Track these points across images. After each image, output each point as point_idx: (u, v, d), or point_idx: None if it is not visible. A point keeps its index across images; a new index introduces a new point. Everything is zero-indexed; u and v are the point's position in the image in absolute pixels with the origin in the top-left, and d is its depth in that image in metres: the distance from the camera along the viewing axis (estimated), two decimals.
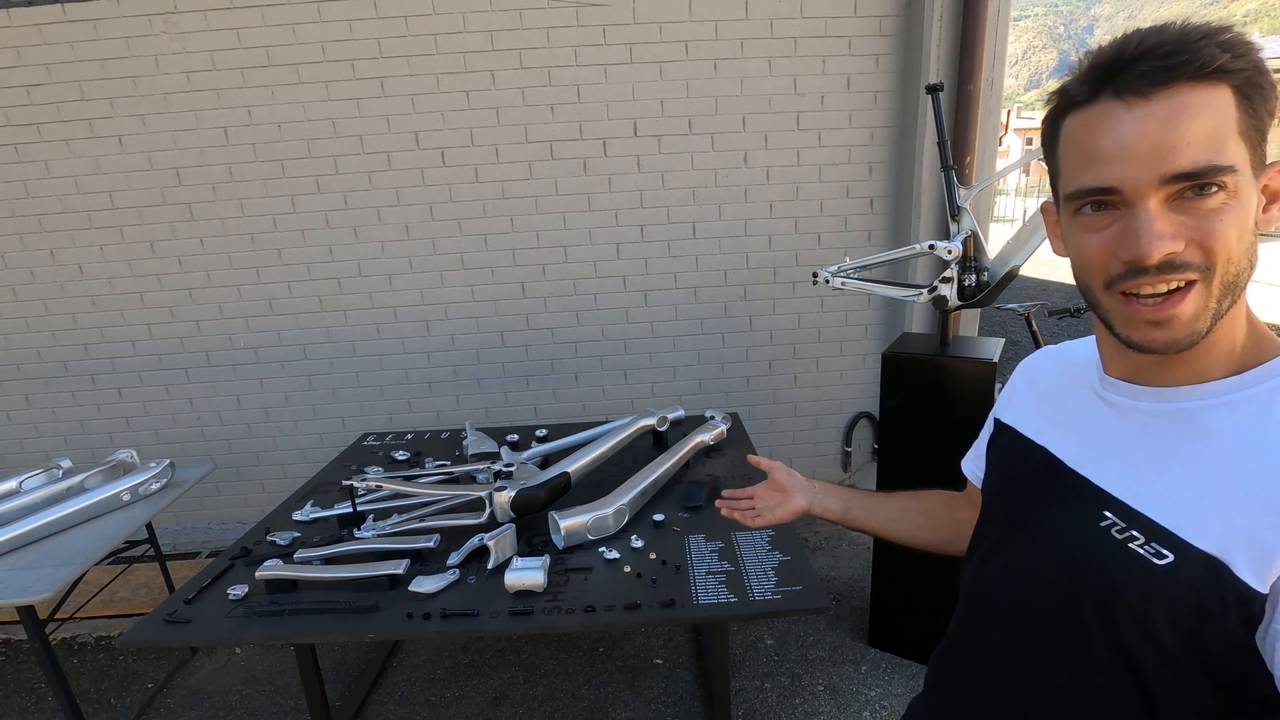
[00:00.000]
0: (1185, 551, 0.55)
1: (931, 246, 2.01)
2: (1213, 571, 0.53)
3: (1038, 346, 3.39)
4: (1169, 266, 0.53)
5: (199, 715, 2.21)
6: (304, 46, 2.72)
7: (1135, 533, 0.58)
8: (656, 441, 2.44)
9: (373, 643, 2.46)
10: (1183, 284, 0.54)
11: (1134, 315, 0.56)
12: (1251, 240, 0.54)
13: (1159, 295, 0.54)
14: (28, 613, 1.82)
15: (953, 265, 1.99)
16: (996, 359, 1.93)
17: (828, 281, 2.27)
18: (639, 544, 1.77)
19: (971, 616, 0.77)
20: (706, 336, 3.19)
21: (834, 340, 3.22)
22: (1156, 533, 0.57)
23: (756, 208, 3.03)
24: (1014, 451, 0.74)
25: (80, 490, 2.13)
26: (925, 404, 2.04)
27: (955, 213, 2.00)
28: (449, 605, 1.56)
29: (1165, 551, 0.56)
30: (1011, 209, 17.52)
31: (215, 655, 2.48)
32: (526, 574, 1.58)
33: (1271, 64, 0.53)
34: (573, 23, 2.74)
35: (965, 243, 1.97)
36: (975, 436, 1.96)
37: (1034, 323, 3.30)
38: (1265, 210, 0.55)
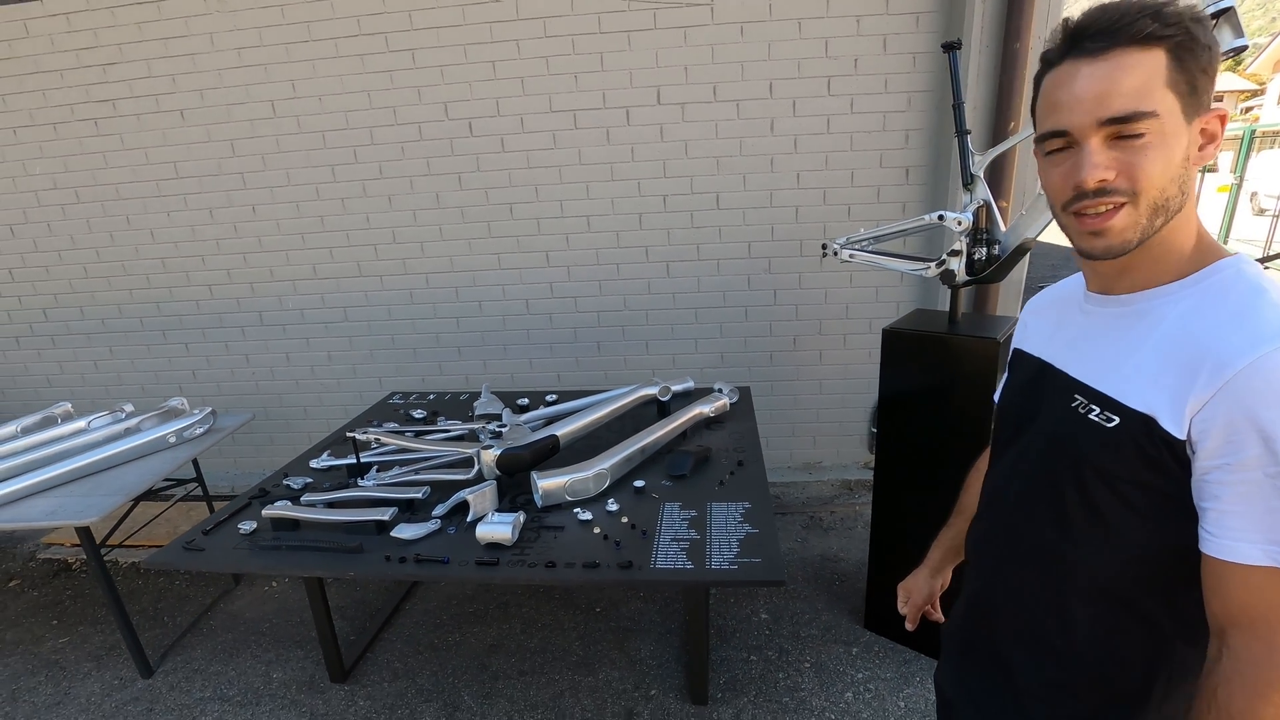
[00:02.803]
0: (1125, 413, 0.70)
1: (941, 217, 1.90)
2: (1145, 426, 0.69)
3: None
4: (1103, 191, 0.69)
5: (234, 637, 2.46)
6: (340, 21, 2.84)
7: (1093, 405, 0.74)
8: (660, 411, 2.46)
9: (390, 585, 2.64)
10: (1113, 206, 0.69)
11: (1081, 228, 0.73)
12: (1179, 173, 0.67)
13: (1099, 213, 0.70)
14: (85, 534, 2.07)
15: (961, 238, 1.88)
16: (1002, 338, 1.81)
17: (836, 254, 2.19)
18: (614, 508, 1.81)
19: (988, 501, 0.95)
20: (729, 309, 3.15)
21: (863, 316, 3.11)
22: (1105, 401, 0.73)
23: (783, 178, 2.94)
24: (1021, 367, 0.92)
25: (135, 431, 2.38)
26: (925, 383, 1.95)
27: (968, 181, 1.87)
28: (424, 552, 1.66)
29: (1112, 416, 0.71)
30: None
31: (253, 587, 2.74)
32: (496, 528, 1.65)
33: None
34: None
35: (977, 213, 1.85)
36: (977, 417, 1.91)
37: None
38: (1201, 149, 0.69)
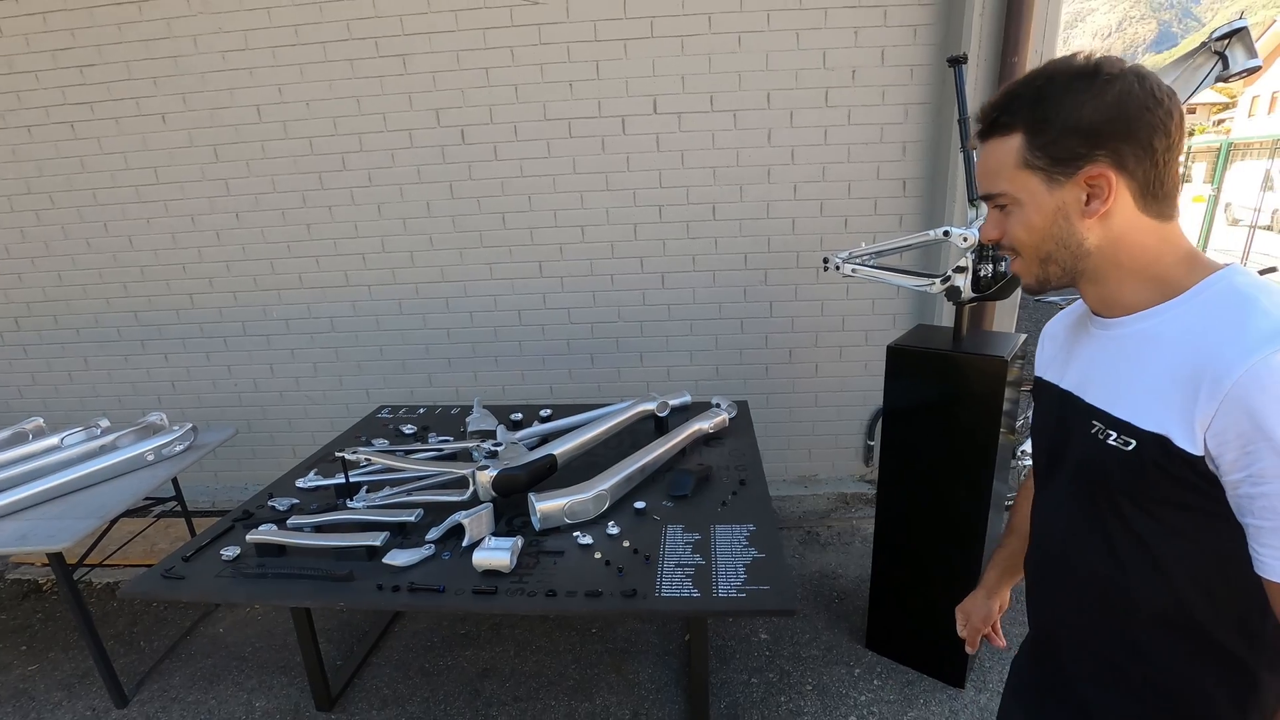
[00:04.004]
0: (1140, 435, 0.71)
1: (946, 233, 1.88)
2: (1161, 446, 0.69)
3: None
4: (998, 246, 0.84)
5: (215, 663, 2.36)
6: (330, 25, 2.77)
7: (1110, 430, 0.75)
8: (658, 427, 2.41)
9: (372, 609, 2.55)
10: (1012, 255, 0.83)
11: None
12: (1051, 231, 0.76)
13: (1011, 260, 0.85)
14: (56, 558, 1.97)
15: (968, 254, 1.85)
16: (1009, 356, 1.78)
17: (838, 268, 2.16)
18: (614, 531, 1.75)
19: (1037, 532, 0.94)
20: (725, 321, 3.11)
21: (859, 329, 3.08)
22: (1121, 426, 0.74)
23: (780, 189, 2.91)
24: (1045, 396, 0.92)
25: (112, 448, 2.28)
26: (931, 401, 1.92)
27: (974, 196, 1.85)
28: (419, 580, 1.59)
29: (1129, 439, 0.72)
30: None
31: (235, 610, 2.64)
32: (494, 554, 1.59)
33: None
34: None
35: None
36: (984, 435, 1.88)
37: None
38: (1088, 203, 0.73)
